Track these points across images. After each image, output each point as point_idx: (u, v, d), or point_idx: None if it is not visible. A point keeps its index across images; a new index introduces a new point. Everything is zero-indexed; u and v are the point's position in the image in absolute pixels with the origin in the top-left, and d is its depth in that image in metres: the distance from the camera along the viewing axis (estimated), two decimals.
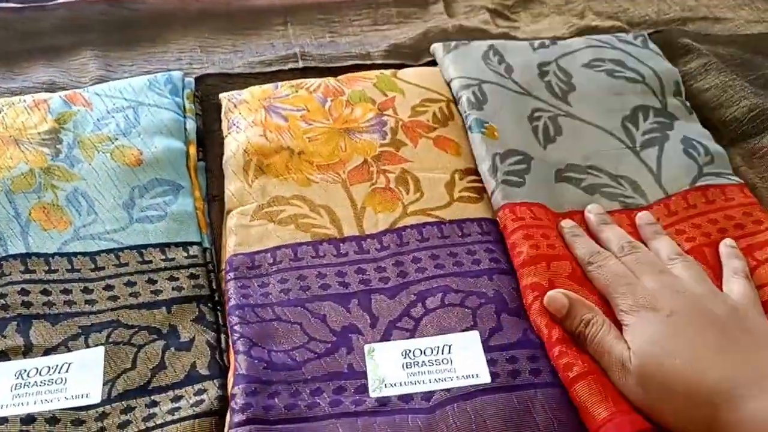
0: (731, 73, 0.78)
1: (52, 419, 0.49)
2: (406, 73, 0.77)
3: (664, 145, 0.69)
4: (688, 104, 0.74)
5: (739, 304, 0.52)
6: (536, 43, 0.79)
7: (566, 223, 0.61)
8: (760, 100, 0.74)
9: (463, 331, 0.55)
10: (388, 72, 0.77)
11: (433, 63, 0.81)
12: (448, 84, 0.75)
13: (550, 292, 0.53)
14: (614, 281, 0.54)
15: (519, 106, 0.71)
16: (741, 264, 0.57)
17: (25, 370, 0.51)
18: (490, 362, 0.52)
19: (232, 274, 0.58)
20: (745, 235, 0.61)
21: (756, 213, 0.63)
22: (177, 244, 0.60)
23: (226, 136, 0.71)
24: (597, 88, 0.73)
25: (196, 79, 0.77)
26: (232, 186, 0.65)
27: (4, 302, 0.55)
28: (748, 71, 0.81)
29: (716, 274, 0.58)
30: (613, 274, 0.54)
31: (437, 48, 0.79)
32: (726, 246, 0.59)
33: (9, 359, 0.52)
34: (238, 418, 0.48)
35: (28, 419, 0.48)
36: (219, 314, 0.57)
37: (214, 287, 0.59)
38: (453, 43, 0.78)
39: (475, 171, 0.67)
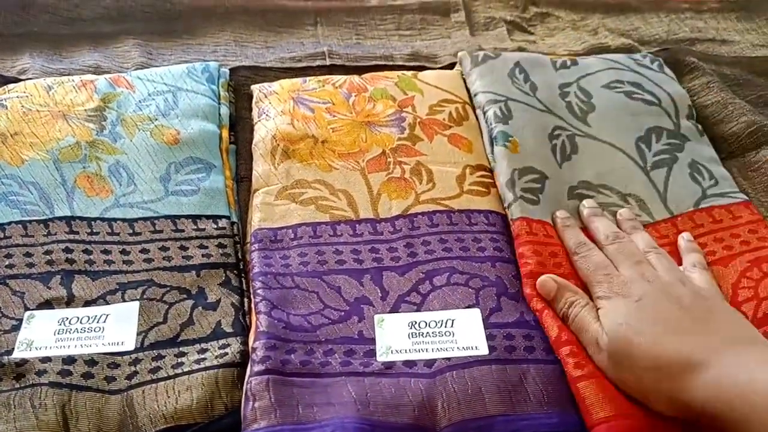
0: (732, 92, 0.83)
1: (91, 361, 0.54)
2: (426, 75, 0.82)
3: (673, 167, 0.72)
4: (699, 127, 0.78)
5: (704, 291, 0.57)
6: (558, 62, 0.83)
7: (560, 213, 0.66)
8: (759, 118, 0.79)
9: (466, 308, 0.60)
10: (408, 73, 0.82)
11: (451, 66, 0.86)
12: (472, 93, 0.79)
13: (541, 278, 0.59)
14: (595, 271, 0.60)
15: (541, 124, 0.75)
16: (699, 256, 0.63)
17: (67, 318, 0.57)
18: (489, 337, 0.57)
19: (256, 246, 0.63)
20: (751, 250, 0.64)
21: (761, 230, 0.66)
22: (208, 217, 0.65)
23: (256, 123, 0.76)
24: (615, 108, 0.77)
25: (231, 70, 0.83)
26: (259, 168, 0.71)
27: (50, 258, 0.61)
28: (749, 91, 0.86)
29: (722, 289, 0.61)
30: (595, 264, 0.60)
31: (464, 58, 0.83)
32: (684, 240, 0.65)
33: (53, 308, 0.58)
34: (258, 368, 0.53)
35: (70, 360, 0.54)
36: (243, 280, 0.62)
37: (240, 257, 0.64)
38: (480, 56, 0.82)
39: (484, 168, 0.72)
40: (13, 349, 0.55)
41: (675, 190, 0.70)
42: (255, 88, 0.80)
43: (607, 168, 0.72)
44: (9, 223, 0.63)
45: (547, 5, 1.00)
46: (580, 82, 0.81)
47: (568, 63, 0.84)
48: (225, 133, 0.74)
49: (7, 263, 0.60)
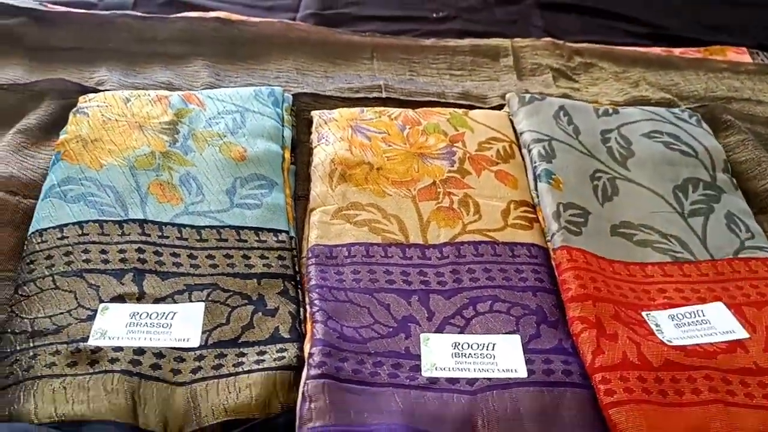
0: (766, 150, 0.87)
1: (159, 354, 0.58)
2: (476, 113, 0.87)
3: (710, 216, 0.76)
4: (734, 181, 0.82)
5: None
6: (600, 110, 0.88)
7: None
8: None
9: (507, 333, 0.63)
10: (460, 111, 0.87)
11: (499, 107, 0.91)
12: (518, 132, 0.84)
13: None
14: None
15: (582, 165, 0.79)
16: None
17: (138, 313, 0.61)
18: (528, 361, 0.61)
19: (313, 260, 0.68)
20: None
21: None
22: (269, 230, 0.70)
23: (315, 146, 0.81)
24: (654, 156, 0.82)
25: (293, 96, 0.89)
26: (317, 188, 0.76)
27: (124, 256, 0.66)
28: None
29: (753, 329, 0.64)
30: None
31: (512, 98, 0.88)
32: None
33: (125, 302, 0.62)
34: (315, 372, 0.57)
35: (140, 351, 0.58)
36: (299, 291, 0.66)
37: (297, 269, 0.68)
38: (527, 97, 0.87)
39: (528, 204, 0.76)
40: (89, 336, 0.59)
41: (714, 237, 0.74)
42: (315, 114, 0.86)
43: (646, 210, 0.76)
44: (87, 222, 0.68)
45: (591, 56, 1.05)
46: (621, 130, 0.85)
47: (610, 111, 0.88)
48: (287, 154, 0.79)
49: (84, 258, 0.65)
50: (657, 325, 0.65)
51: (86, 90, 0.86)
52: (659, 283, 0.70)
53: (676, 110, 0.91)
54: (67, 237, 0.67)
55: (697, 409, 0.57)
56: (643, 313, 0.66)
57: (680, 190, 0.79)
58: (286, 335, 0.61)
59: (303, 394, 0.56)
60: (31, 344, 0.58)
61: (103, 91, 0.85)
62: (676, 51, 1.10)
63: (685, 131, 0.86)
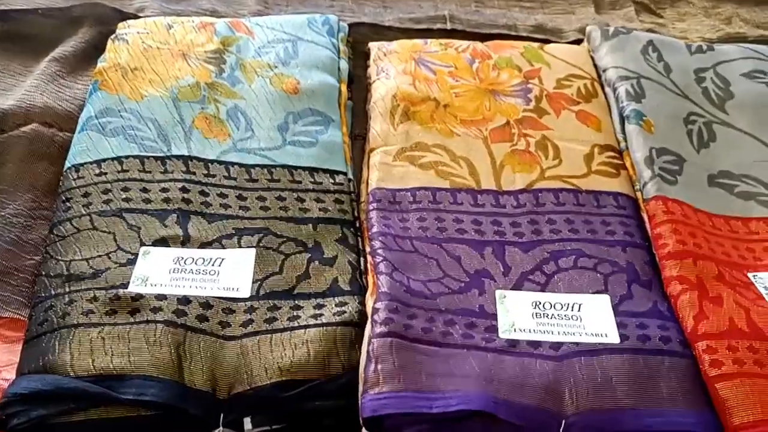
0: None
1: (206, 304, 0.52)
2: (552, 48, 0.78)
3: None
4: None
5: None
6: (693, 46, 0.78)
7: None
8: None
9: (594, 293, 0.56)
10: (535, 45, 0.78)
11: (576, 43, 0.82)
12: (601, 69, 0.75)
13: None
14: None
15: (675, 107, 0.70)
16: None
17: (183, 258, 0.55)
18: (620, 325, 0.53)
19: (374, 205, 0.61)
20: None
21: None
22: (325, 170, 0.63)
23: (374, 81, 0.73)
24: (756, 98, 0.72)
25: (349, 26, 0.80)
26: (377, 126, 0.68)
27: (167, 195, 0.59)
28: None
29: None
30: None
31: (594, 31, 0.79)
32: None
33: (168, 245, 0.56)
34: (381, 329, 0.50)
35: (185, 300, 0.52)
36: (359, 240, 0.60)
37: (356, 215, 0.61)
38: (611, 30, 0.78)
39: (613, 148, 0.68)
40: (129, 282, 0.53)
41: None
42: (373, 46, 0.78)
43: (748, 158, 0.67)
44: (127, 157, 0.62)
45: None
46: (718, 69, 0.76)
47: (704, 48, 0.78)
48: (344, 88, 0.72)
49: (124, 196, 0.59)
50: (766, 288, 0.57)
51: (126, 16, 0.79)
52: (765, 240, 0.61)
53: None
54: (106, 173, 0.61)
55: None
56: (750, 275, 0.58)
57: None
58: (346, 287, 0.55)
59: (368, 353, 0.49)
60: (67, 289, 0.53)
61: (143, 17, 0.78)
62: None
63: None
